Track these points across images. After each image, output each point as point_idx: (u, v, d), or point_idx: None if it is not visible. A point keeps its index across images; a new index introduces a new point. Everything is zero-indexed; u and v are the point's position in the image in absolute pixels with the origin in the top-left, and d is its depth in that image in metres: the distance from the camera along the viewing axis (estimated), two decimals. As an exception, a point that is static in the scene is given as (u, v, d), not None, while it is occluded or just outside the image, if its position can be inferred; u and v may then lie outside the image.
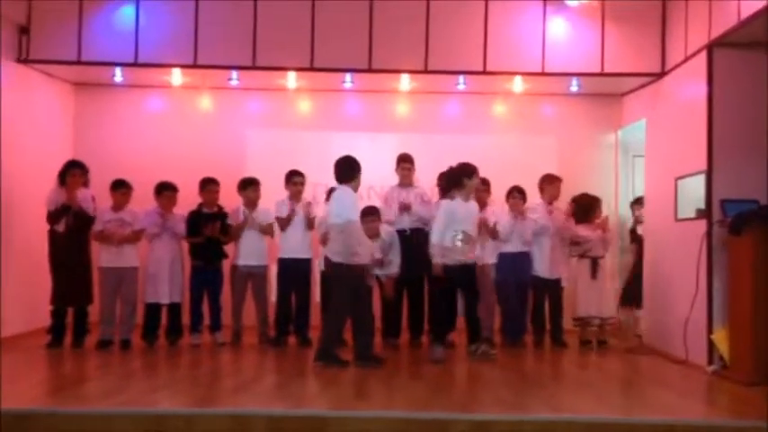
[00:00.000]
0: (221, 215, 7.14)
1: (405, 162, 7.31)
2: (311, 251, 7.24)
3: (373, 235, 6.80)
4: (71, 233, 6.66)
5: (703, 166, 6.28)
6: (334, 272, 6.07)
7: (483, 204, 7.12)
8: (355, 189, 6.22)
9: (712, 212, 6.13)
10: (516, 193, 7.31)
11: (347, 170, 6.22)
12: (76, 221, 6.68)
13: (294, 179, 7.23)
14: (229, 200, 7.33)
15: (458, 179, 6.46)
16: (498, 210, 7.41)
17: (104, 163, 7.64)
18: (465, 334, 6.71)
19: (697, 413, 4.73)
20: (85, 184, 6.84)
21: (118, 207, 6.92)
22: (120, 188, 6.94)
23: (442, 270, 6.30)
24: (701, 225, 6.24)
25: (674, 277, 6.83)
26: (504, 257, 7.23)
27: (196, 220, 7.05)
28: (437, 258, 6.31)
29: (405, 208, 7.10)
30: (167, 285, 6.92)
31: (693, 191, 6.50)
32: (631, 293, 7.84)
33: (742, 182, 6.08)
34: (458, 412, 4.39)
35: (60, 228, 6.66)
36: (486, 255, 7.19)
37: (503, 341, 7.28)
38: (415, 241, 7.09)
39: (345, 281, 5.98)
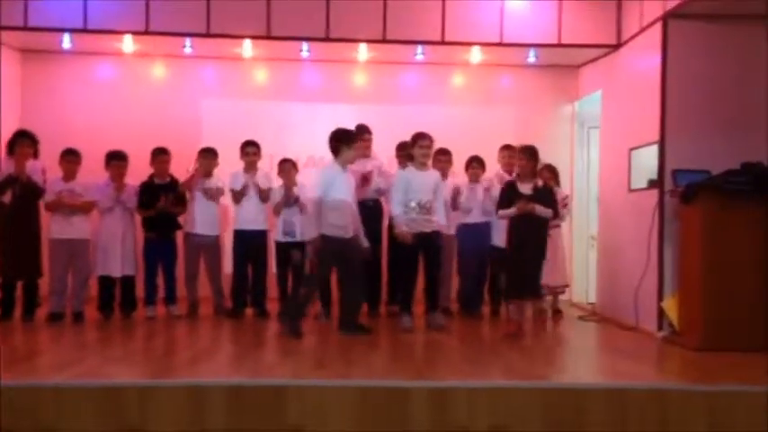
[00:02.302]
0: (173, 185, 7.02)
1: (365, 133, 7.24)
2: (267, 222, 7.18)
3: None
4: (19, 205, 6.48)
5: (656, 136, 6.38)
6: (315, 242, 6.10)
7: (444, 175, 7.11)
8: (342, 164, 6.19)
9: (664, 182, 6.25)
10: (475, 164, 7.34)
11: (333, 144, 6.21)
12: (25, 193, 6.50)
13: (248, 149, 7.13)
14: (184, 170, 7.17)
15: (408, 149, 6.54)
16: (459, 180, 7.42)
17: (54, 133, 7.38)
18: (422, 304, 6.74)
19: (648, 377, 4.85)
20: (35, 154, 6.65)
21: (68, 177, 6.74)
22: (68, 156, 6.76)
23: (409, 237, 6.29)
24: (654, 195, 6.36)
25: (626, 246, 6.96)
26: (465, 228, 7.28)
27: (148, 192, 6.92)
28: (402, 227, 6.31)
29: (365, 180, 7.06)
30: (119, 258, 6.78)
31: (646, 161, 6.60)
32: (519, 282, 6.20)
33: (694, 152, 6.18)
34: (415, 380, 4.43)
35: (6, 199, 6.47)
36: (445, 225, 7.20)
37: (459, 310, 7.36)
38: (372, 213, 7.09)
39: (323, 252, 6.03)
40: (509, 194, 6.24)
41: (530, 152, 6.27)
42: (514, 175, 6.65)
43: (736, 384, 4.38)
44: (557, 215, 6.46)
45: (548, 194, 6.31)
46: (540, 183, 6.33)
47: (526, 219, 6.10)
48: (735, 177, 5.66)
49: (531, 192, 6.18)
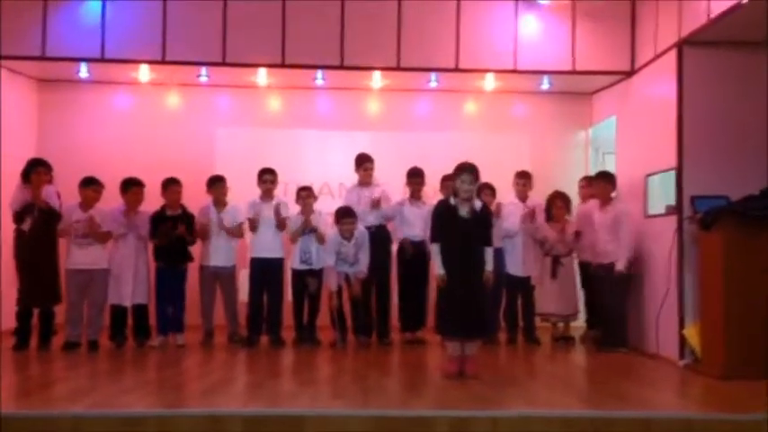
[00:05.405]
0: (185, 216, 6.99)
1: (368, 162, 7.30)
2: (283, 250, 7.16)
3: (349, 236, 6.79)
4: (37, 232, 6.49)
5: (673, 162, 6.34)
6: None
7: None
8: None
9: (683, 208, 6.20)
10: (487, 191, 7.30)
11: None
12: (42, 218, 6.50)
13: (265, 177, 7.15)
14: (197, 199, 7.20)
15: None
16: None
17: (69, 161, 7.47)
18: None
19: (672, 406, 4.77)
20: (50, 182, 6.67)
21: (87, 206, 6.75)
22: (91, 185, 6.78)
23: None
24: (672, 221, 6.31)
25: (645, 273, 6.88)
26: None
27: (159, 223, 6.89)
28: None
29: (374, 204, 7.10)
30: (131, 287, 6.75)
31: (663, 187, 6.57)
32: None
33: (711, 178, 6.14)
34: (435, 409, 4.36)
35: (26, 227, 6.49)
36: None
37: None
38: (378, 239, 7.11)
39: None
40: (446, 218, 5.45)
41: (476, 171, 5.45)
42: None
43: (760, 414, 4.29)
44: (490, 244, 5.54)
45: (486, 219, 5.54)
46: (479, 205, 5.50)
47: (464, 250, 5.39)
48: (755, 203, 5.60)
49: (470, 215, 5.41)
